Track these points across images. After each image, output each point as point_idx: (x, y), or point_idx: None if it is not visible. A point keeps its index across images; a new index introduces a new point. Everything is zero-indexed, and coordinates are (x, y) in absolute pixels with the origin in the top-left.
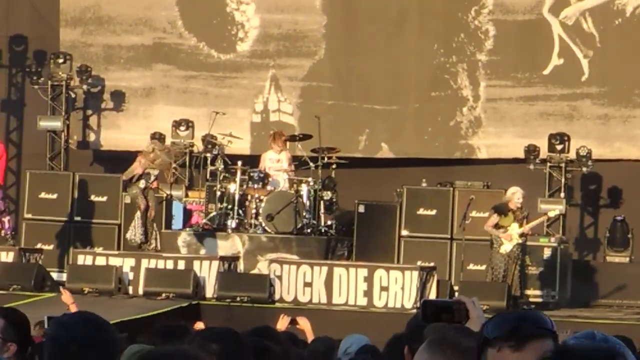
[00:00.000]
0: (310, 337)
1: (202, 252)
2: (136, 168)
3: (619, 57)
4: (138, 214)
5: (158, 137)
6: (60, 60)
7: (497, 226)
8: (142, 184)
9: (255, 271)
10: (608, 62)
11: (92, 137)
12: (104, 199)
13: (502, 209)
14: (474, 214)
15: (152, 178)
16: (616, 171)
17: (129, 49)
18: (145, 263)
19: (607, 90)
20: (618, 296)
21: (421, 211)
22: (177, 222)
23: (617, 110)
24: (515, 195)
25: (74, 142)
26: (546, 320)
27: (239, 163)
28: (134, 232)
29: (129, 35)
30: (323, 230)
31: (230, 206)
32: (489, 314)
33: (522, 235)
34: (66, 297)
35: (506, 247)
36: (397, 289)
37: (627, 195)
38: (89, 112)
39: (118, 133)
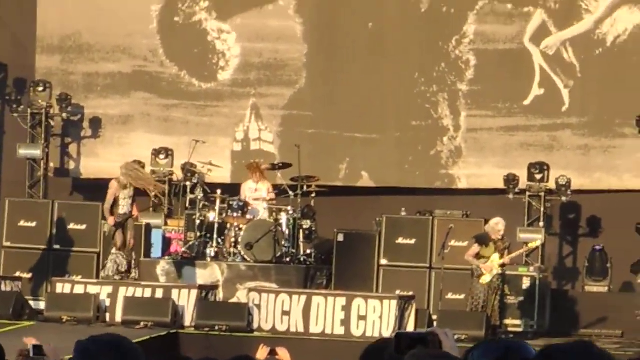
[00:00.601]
0: None
1: (181, 280)
2: (111, 195)
3: (600, 87)
4: (113, 250)
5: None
6: (40, 89)
7: (478, 256)
8: (121, 210)
9: (234, 300)
10: (588, 92)
11: (71, 165)
12: (83, 227)
13: (483, 239)
14: (453, 243)
15: (130, 202)
16: (595, 200)
17: (106, 77)
18: (123, 291)
19: (587, 121)
20: (597, 326)
21: (400, 240)
22: (156, 250)
23: (597, 140)
24: (497, 225)
25: (51, 169)
26: (531, 350)
27: (219, 191)
28: (111, 268)
29: (107, 63)
30: (302, 259)
31: (209, 235)
32: (467, 343)
33: (502, 265)
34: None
35: (486, 279)
36: (376, 318)
37: (606, 224)
38: (68, 140)
39: (97, 161)
